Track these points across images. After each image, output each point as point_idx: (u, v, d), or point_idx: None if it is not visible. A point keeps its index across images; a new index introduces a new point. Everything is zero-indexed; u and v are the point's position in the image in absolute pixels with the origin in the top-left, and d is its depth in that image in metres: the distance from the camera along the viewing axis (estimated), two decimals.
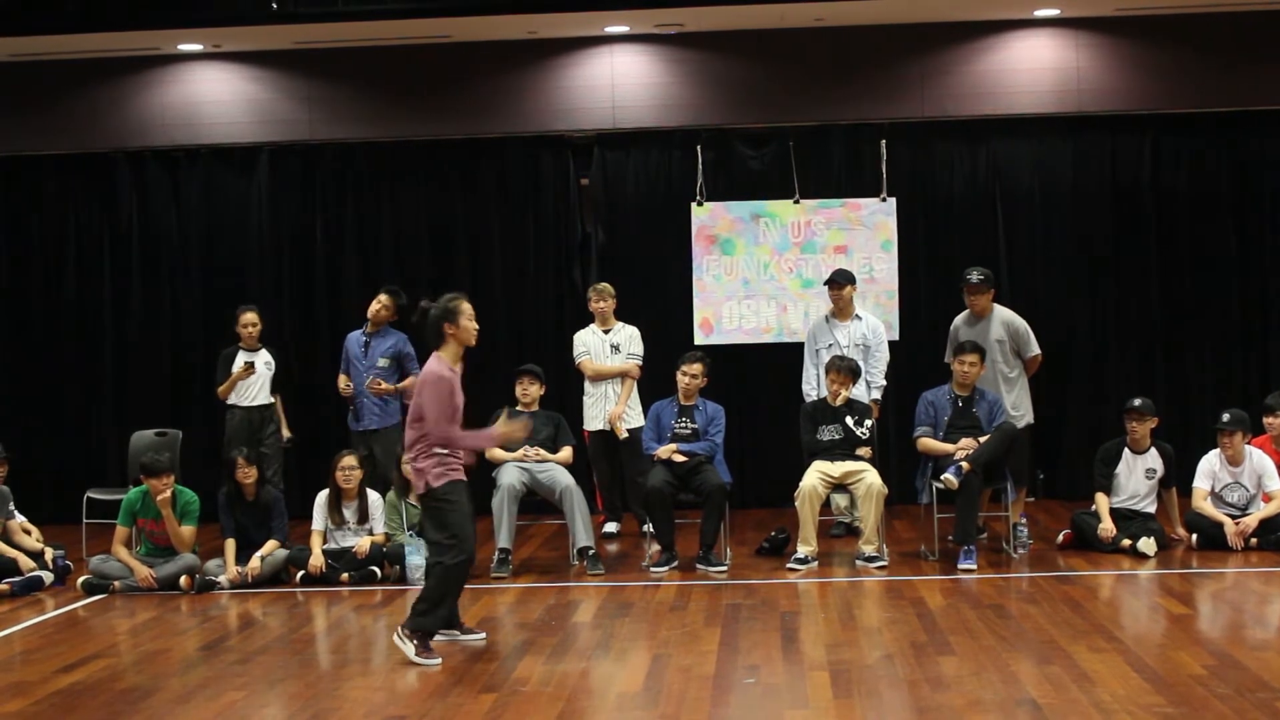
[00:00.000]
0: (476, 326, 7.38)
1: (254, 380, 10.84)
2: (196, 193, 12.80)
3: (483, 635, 7.61)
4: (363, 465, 9.70)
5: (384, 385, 10.58)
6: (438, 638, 7.35)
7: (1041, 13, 11.97)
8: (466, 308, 7.33)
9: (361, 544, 9.41)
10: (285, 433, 11.08)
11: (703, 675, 6.72)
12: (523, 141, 12.57)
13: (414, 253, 12.73)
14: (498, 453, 9.84)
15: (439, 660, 7.08)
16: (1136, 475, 9.90)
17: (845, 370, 9.79)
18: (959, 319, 10.40)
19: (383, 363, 10.67)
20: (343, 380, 10.73)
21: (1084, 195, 12.42)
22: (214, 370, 11.16)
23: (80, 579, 9.39)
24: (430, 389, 7.17)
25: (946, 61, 12.16)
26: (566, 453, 9.97)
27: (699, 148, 12.40)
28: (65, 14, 11.52)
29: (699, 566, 9.38)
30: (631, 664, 7.01)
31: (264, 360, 10.90)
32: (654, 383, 10.79)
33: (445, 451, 7.24)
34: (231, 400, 10.79)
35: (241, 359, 10.80)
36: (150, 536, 9.48)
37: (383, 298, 10.77)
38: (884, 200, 12.30)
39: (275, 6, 11.35)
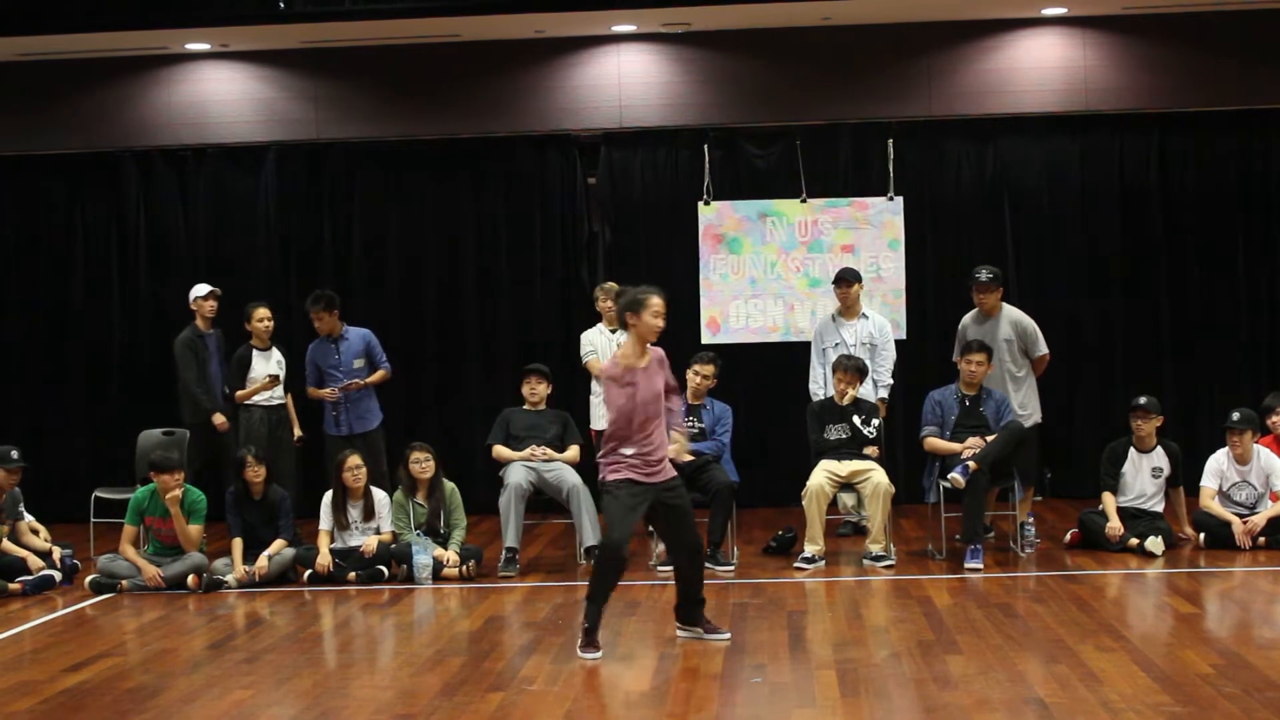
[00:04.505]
0: (661, 324, 7.26)
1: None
2: (204, 192, 12.83)
3: (728, 635, 7.44)
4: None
5: (359, 382, 10.57)
6: (684, 634, 7.42)
7: (1049, 11, 11.95)
8: (655, 303, 7.23)
9: (369, 543, 9.42)
10: (297, 431, 11.08)
11: (710, 674, 6.72)
12: (530, 140, 12.59)
13: (421, 252, 12.74)
14: (504, 451, 9.86)
15: (598, 654, 7.07)
16: (1143, 474, 9.90)
17: (852, 369, 9.78)
18: (967, 318, 10.38)
19: (358, 364, 10.65)
20: (327, 392, 10.61)
21: (1092, 194, 12.41)
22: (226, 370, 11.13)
23: (88, 578, 9.40)
24: (607, 390, 7.26)
25: (954, 60, 12.16)
26: (574, 451, 9.98)
27: (706, 147, 12.40)
28: (72, 13, 11.55)
29: (706, 565, 9.35)
30: (638, 663, 7.02)
31: (276, 360, 10.90)
32: None
33: (631, 454, 7.16)
34: (250, 400, 10.79)
35: (258, 361, 10.78)
36: (158, 535, 9.49)
37: (318, 312, 10.59)
38: (891, 199, 12.29)
39: (283, 6, 11.36)
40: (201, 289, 11.20)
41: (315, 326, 10.66)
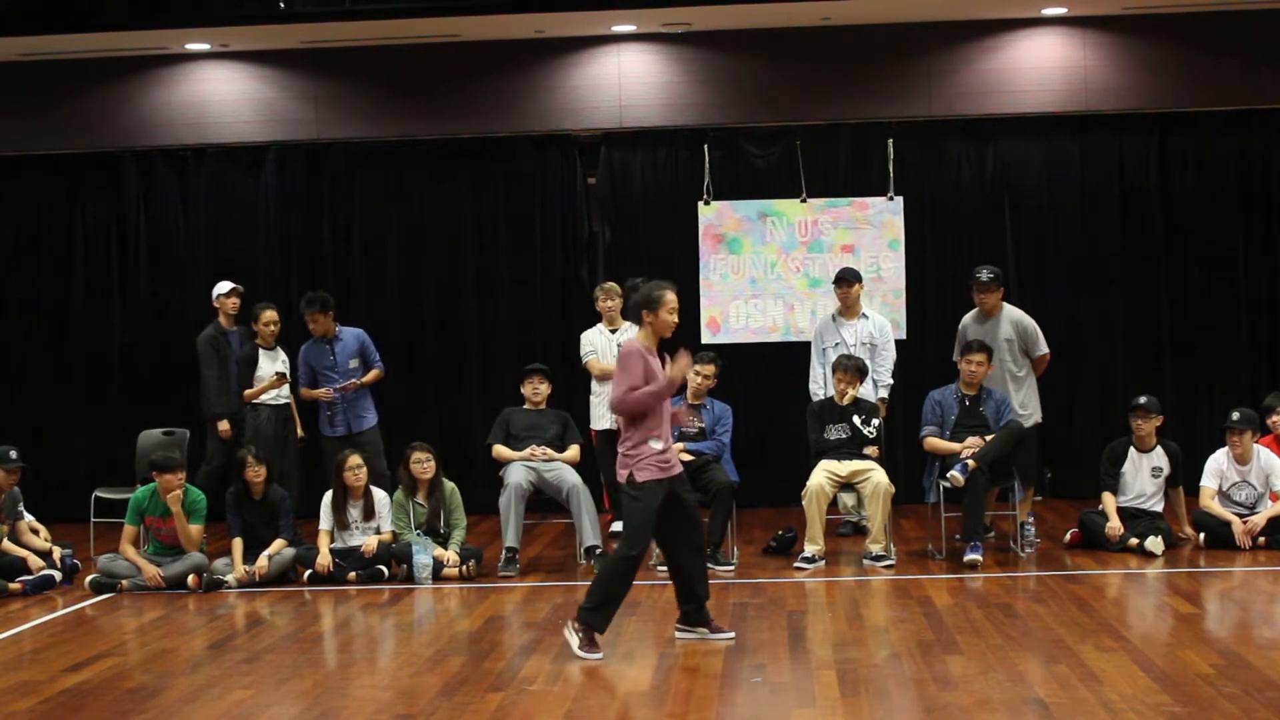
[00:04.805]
0: (676, 320, 7.26)
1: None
2: (204, 192, 12.83)
3: (732, 635, 7.44)
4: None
5: (356, 382, 10.57)
6: (688, 636, 7.37)
7: (1049, 11, 11.95)
8: (670, 299, 7.23)
9: (369, 543, 9.42)
10: (300, 431, 11.09)
11: (710, 674, 6.72)
12: (530, 140, 12.59)
13: (421, 252, 12.74)
14: (504, 451, 9.86)
15: (601, 654, 7.03)
16: (1143, 474, 9.90)
17: (852, 369, 9.78)
18: (968, 317, 10.38)
19: (353, 364, 10.65)
20: (323, 392, 10.60)
21: (1092, 194, 12.41)
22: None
23: (88, 578, 9.40)
24: (621, 363, 7.15)
25: (954, 60, 12.16)
26: (574, 451, 9.98)
27: (706, 147, 12.40)
28: (72, 13, 11.55)
29: (706, 565, 9.35)
30: (639, 663, 7.02)
31: (281, 359, 10.91)
32: None
33: (661, 449, 7.13)
34: (258, 399, 10.81)
35: (264, 361, 10.80)
36: (158, 535, 9.49)
37: (314, 314, 10.55)
38: (891, 199, 12.29)
39: (283, 6, 11.36)
40: (224, 286, 11.26)
41: (310, 328, 10.65)
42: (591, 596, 7.18)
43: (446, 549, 9.46)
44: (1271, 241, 12.38)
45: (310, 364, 10.63)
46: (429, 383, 12.72)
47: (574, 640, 7.12)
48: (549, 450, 9.86)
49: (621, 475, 7.20)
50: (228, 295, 11.22)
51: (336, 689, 6.73)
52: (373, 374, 10.70)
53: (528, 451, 9.80)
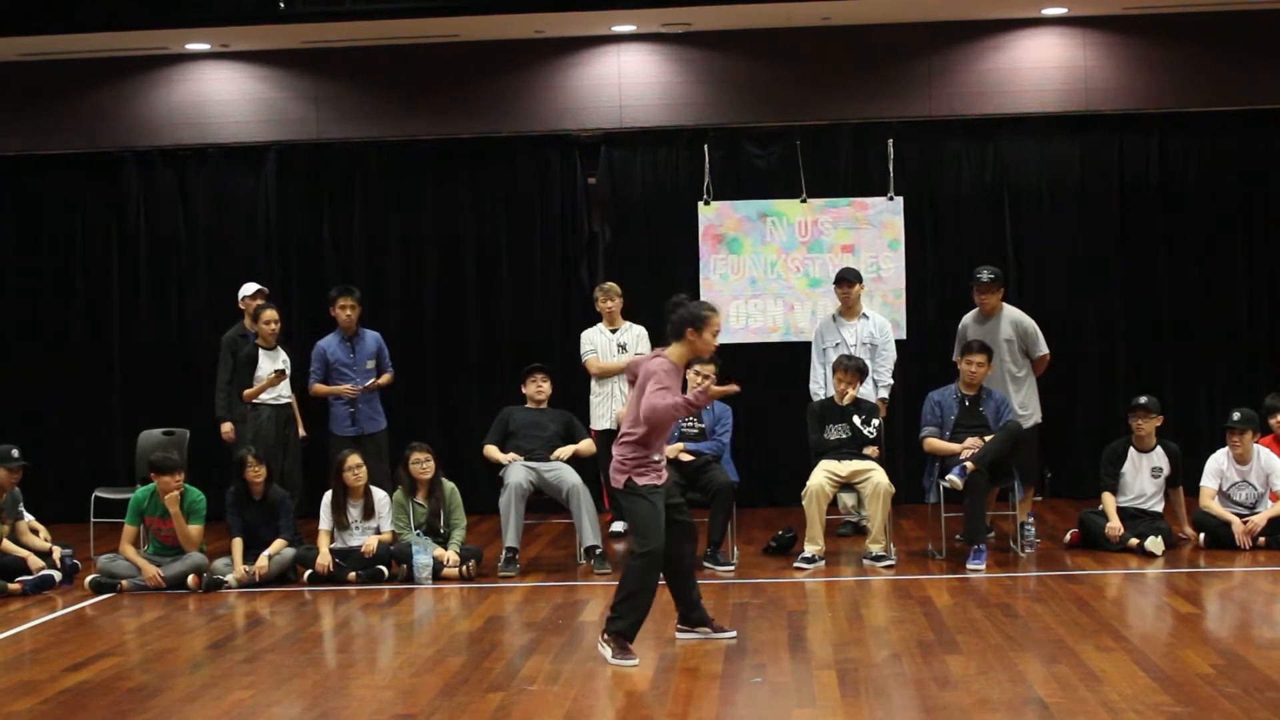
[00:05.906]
0: (717, 344, 7.27)
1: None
2: (204, 192, 12.83)
3: (734, 633, 7.43)
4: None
5: (376, 382, 10.63)
6: (690, 636, 7.36)
7: (1049, 11, 11.96)
8: (717, 323, 7.21)
9: (369, 543, 9.42)
10: (301, 431, 11.10)
11: (710, 674, 6.72)
12: (530, 141, 12.59)
13: (421, 252, 12.75)
14: (493, 452, 9.87)
15: (636, 660, 6.94)
16: (1143, 474, 9.89)
17: (852, 369, 9.78)
18: (968, 317, 10.38)
19: (370, 364, 10.68)
20: (347, 389, 10.61)
21: (1092, 194, 12.42)
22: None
23: (88, 578, 9.40)
24: (663, 378, 7.03)
25: (954, 60, 12.16)
26: (587, 442, 10.03)
27: (706, 147, 12.40)
28: (73, 13, 11.56)
29: (706, 565, 9.37)
30: (639, 663, 7.01)
31: (282, 359, 10.92)
32: None
33: (658, 460, 7.15)
34: (258, 399, 10.82)
35: (263, 360, 10.81)
36: (158, 535, 9.49)
37: (350, 301, 10.66)
38: (891, 199, 12.29)
39: (283, 6, 11.36)
40: (249, 288, 11.29)
41: (342, 317, 10.63)
42: (616, 606, 7.07)
43: (446, 549, 9.46)
44: (1271, 241, 12.38)
45: (328, 359, 10.62)
46: (429, 383, 12.72)
47: (607, 651, 7.01)
48: (560, 451, 9.86)
49: (618, 480, 7.15)
50: (252, 296, 11.26)
51: (336, 689, 6.73)
52: (386, 377, 10.76)
53: (555, 453, 9.82)
